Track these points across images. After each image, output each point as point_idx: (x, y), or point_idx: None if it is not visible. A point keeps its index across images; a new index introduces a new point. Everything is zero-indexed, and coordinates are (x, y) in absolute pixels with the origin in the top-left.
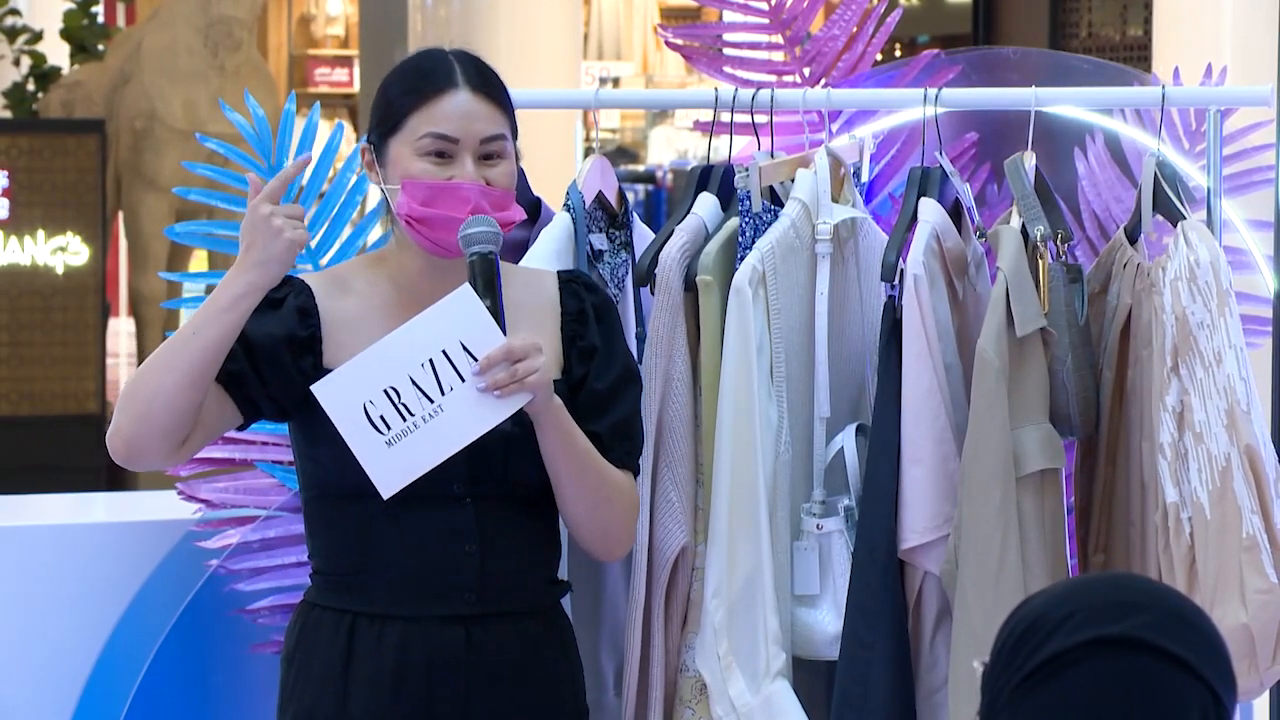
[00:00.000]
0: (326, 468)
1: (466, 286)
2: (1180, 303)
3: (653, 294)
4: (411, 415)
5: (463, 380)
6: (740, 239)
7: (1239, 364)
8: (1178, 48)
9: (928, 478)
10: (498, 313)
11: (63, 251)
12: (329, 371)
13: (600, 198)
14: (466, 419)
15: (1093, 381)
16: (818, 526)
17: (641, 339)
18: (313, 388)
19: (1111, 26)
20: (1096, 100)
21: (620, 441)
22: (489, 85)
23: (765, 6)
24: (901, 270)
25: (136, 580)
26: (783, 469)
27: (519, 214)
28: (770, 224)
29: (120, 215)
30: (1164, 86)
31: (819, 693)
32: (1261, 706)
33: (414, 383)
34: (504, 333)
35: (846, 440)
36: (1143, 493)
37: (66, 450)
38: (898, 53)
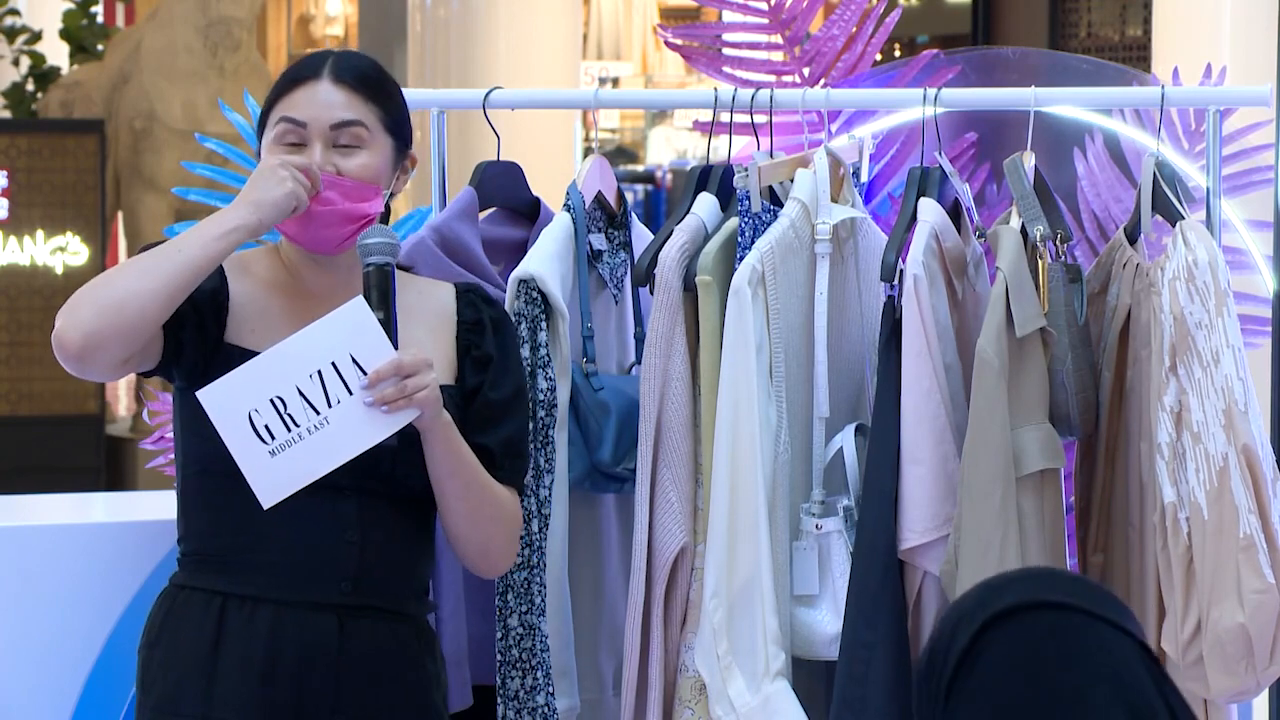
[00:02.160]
0: (217, 443)
1: (359, 299)
2: (1178, 303)
3: (652, 294)
4: (297, 426)
5: (350, 393)
6: (739, 239)
7: (1237, 364)
8: (1177, 48)
9: (927, 478)
10: (390, 326)
11: (62, 251)
12: (230, 345)
13: (599, 198)
14: (352, 432)
15: (1092, 381)
16: (817, 526)
17: (641, 339)
18: (198, 394)
19: (1111, 27)
20: (1096, 100)
21: (511, 459)
22: (358, 78)
23: (765, 6)
24: (901, 270)
25: (136, 580)
26: (782, 469)
27: (375, 207)
28: (769, 224)
29: (120, 215)
30: (1163, 87)
31: (818, 693)
32: (1261, 707)
33: (301, 393)
34: (395, 347)
35: (846, 440)
36: (1141, 493)
37: (66, 450)
38: (897, 53)
